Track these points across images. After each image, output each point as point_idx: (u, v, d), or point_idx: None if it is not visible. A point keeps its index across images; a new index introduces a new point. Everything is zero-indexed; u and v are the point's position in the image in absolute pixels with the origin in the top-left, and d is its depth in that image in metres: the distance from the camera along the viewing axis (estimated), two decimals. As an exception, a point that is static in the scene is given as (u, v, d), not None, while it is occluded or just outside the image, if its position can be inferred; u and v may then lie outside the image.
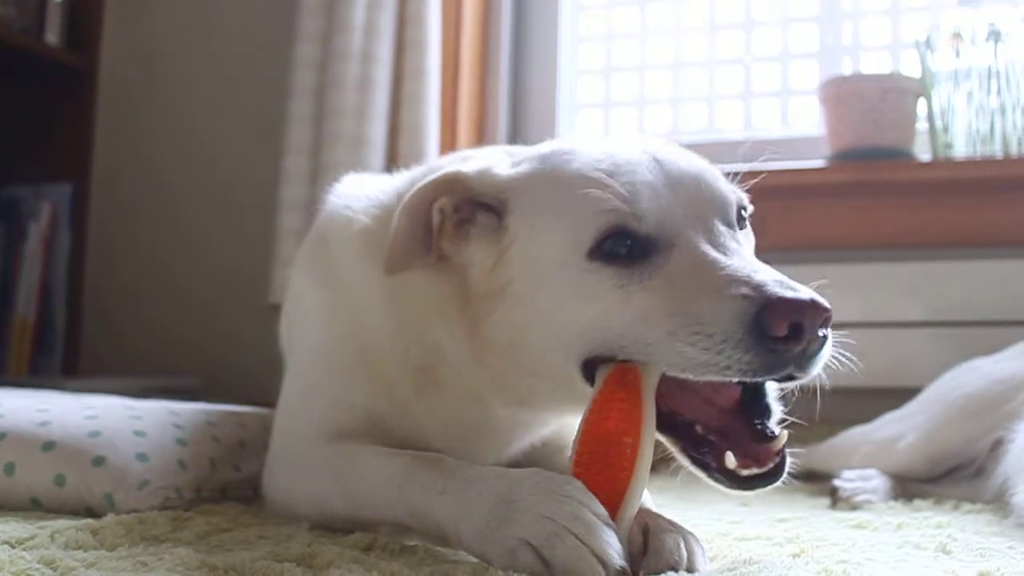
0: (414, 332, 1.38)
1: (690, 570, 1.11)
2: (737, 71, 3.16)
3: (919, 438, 1.98)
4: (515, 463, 1.49)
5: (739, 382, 1.12)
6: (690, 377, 1.11)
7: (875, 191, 2.63)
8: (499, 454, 1.47)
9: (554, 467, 1.39)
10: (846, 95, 2.64)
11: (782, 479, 1.13)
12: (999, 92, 2.56)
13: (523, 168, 1.30)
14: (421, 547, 1.21)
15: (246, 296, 3.16)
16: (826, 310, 1.05)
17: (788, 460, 1.14)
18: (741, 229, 1.25)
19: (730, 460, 1.12)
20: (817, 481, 2.11)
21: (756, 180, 2.66)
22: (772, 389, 1.18)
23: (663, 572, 1.08)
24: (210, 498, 1.59)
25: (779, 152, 2.93)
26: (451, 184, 1.30)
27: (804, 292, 1.06)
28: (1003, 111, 2.56)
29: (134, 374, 3.16)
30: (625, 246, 1.17)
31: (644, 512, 1.17)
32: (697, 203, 1.20)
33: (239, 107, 3.35)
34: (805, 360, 1.07)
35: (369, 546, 1.21)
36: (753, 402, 1.16)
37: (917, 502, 1.87)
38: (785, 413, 1.19)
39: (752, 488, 1.13)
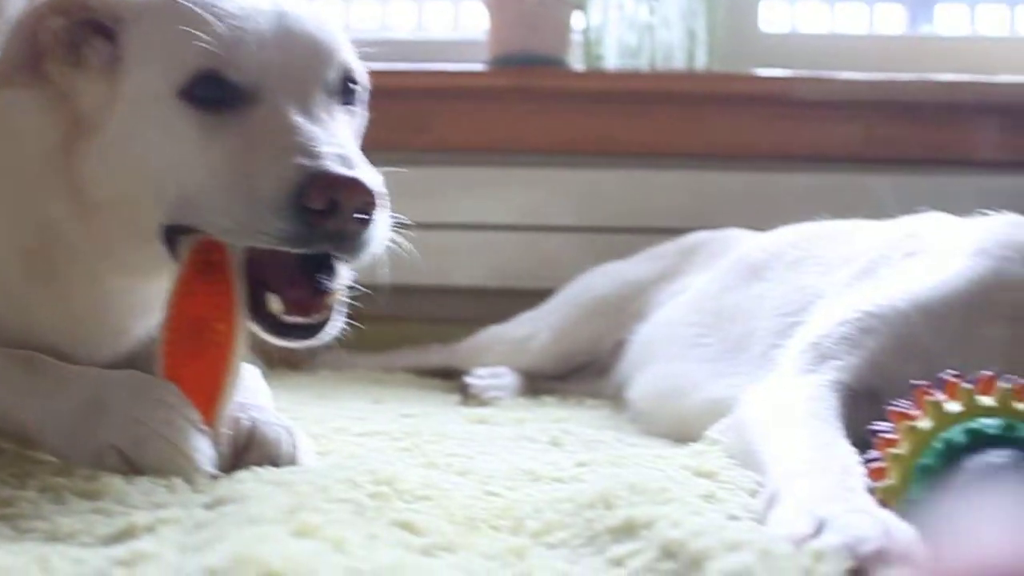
0: (24, 208, 1.27)
1: (293, 463, 1.10)
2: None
3: (551, 337, 2.06)
4: (135, 360, 1.43)
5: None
6: (232, 241, 1.08)
7: (531, 97, 2.67)
8: (117, 344, 1.39)
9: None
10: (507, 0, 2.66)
11: (326, 335, 1.11)
12: (650, 9, 2.65)
13: None
14: (11, 449, 1.14)
15: None
16: (367, 192, 1.04)
17: (339, 320, 1.12)
18: (348, 104, 1.22)
19: (273, 304, 1.10)
20: (457, 379, 2.16)
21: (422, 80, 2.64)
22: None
23: (264, 465, 1.07)
24: None
25: (448, 54, 2.96)
26: (66, 3, 1.19)
27: (353, 172, 1.05)
28: (652, 27, 2.65)
29: None
30: (215, 93, 1.12)
31: (252, 406, 1.15)
32: (303, 66, 1.16)
33: None
34: (343, 241, 1.06)
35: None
36: (318, 260, 1.15)
37: (544, 398, 1.95)
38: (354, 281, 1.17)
39: (293, 338, 1.11)
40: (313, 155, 1.05)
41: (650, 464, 1.12)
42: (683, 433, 1.43)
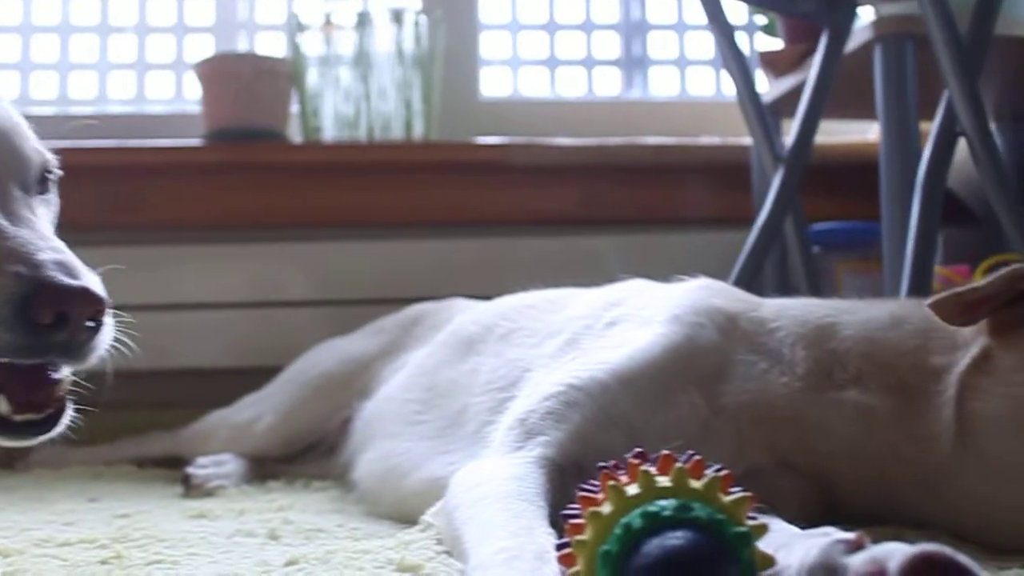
0: None
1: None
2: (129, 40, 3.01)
3: (275, 419, 2.01)
4: None
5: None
6: None
7: (250, 171, 2.64)
8: None
9: None
10: (221, 74, 2.62)
11: (61, 427, 1.07)
12: (364, 79, 2.66)
13: None
14: None
15: None
16: (98, 301, 1.01)
17: (70, 410, 1.07)
18: (44, 193, 1.17)
19: (1, 405, 1.04)
20: (182, 467, 2.07)
21: (130, 156, 2.55)
22: None
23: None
24: None
25: (168, 128, 2.88)
26: None
27: (78, 280, 1.01)
28: (368, 97, 2.66)
29: None
30: None
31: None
32: None
33: None
34: (73, 349, 1.03)
35: None
36: None
37: (271, 483, 1.90)
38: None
39: (27, 436, 1.06)
40: (31, 263, 1.00)
41: (356, 559, 1.10)
42: (406, 514, 1.42)
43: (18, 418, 1.05)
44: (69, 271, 1.01)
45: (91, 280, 1.02)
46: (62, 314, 0.99)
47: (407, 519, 1.35)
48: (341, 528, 1.47)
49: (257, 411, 2.05)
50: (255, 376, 2.24)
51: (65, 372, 1.09)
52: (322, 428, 1.99)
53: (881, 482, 1.27)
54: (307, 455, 2.02)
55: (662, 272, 1.50)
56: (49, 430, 1.06)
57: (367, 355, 1.99)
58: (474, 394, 1.51)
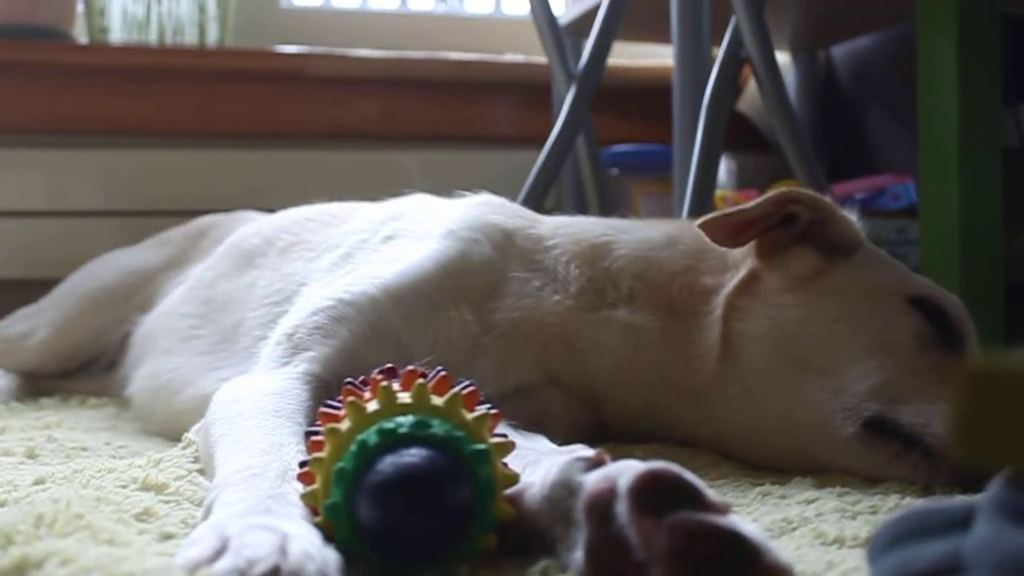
0: None
1: None
2: None
3: (51, 333, 1.92)
4: None
5: None
6: None
7: (31, 72, 2.48)
8: None
9: None
10: (0, -36, 2.46)
11: None
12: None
13: None
14: None
15: None
16: None
17: None
18: None
19: None
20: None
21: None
22: None
23: None
24: None
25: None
26: None
27: None
28: (160, -1, 2.55)
29: None
30: None
31: None
32: None
33: None
34: None
35: None
36: None
37: (44, 400, 1.82)
38: None
39: None
40: None
41: (98, 478, 1.05)
42: (178, 432, 1.36)
43: None
44: None
45: None
46: None
47: (179, 437, 1.30)
48: (108, 447, 1.41)
49: (31, 324, 1.95)
50: (39, 288, 2.13)
51: None
52: (100, 343, 1.91)
53: (649, 402, 1.28)
54: (86, 371, 1.94)
55: (463, 188, 1.47)
56: None
57: (150, 267, 1.92)
58: (250, 308, 1.47)
